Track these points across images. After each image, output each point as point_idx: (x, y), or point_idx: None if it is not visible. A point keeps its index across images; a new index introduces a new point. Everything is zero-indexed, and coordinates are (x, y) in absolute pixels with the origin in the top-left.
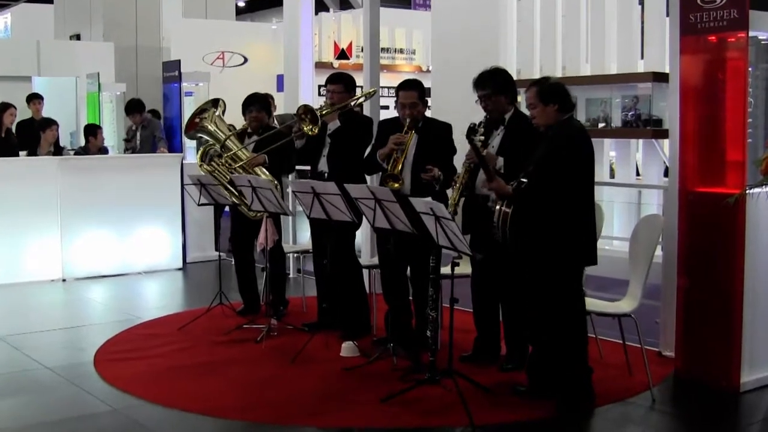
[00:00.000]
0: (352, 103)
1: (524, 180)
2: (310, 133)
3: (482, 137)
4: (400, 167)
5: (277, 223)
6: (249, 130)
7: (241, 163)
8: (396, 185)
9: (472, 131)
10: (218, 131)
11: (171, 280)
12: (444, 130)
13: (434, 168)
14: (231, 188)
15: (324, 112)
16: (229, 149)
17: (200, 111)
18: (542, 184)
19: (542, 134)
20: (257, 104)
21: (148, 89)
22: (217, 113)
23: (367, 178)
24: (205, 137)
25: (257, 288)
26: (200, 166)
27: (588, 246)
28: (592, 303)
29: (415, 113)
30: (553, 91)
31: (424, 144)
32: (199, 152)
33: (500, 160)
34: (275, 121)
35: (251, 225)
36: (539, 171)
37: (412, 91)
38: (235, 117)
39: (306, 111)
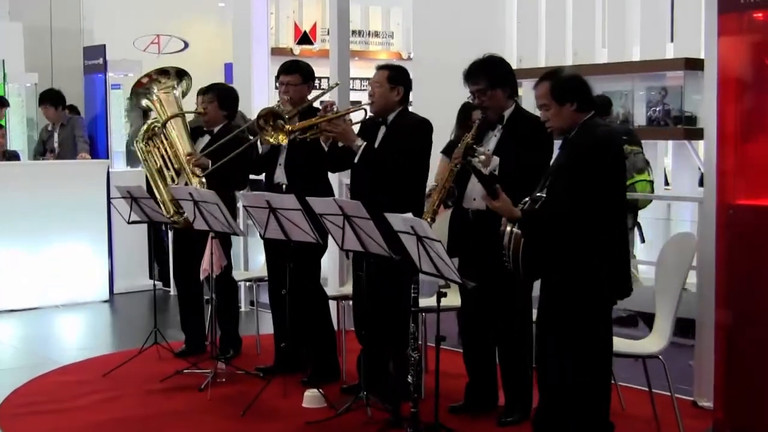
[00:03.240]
0: (309, 98)
1: (540, 195)
2: (274, 142)
3: (483, 156)
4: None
5: (226, 245)
6: (203, 123)
7: (176, 152)
8: (268, 140)
9: (470, 151)
10: (164, 107)
11: (95, 315)
12: (413, 125)
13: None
14: (158, 183)
15: (288, 117)
16: (169, 136)
17: (158, 71)
18: (564, 202)
19: (549, 136)
20: (213, 92)
21: (65, 80)
22: (175, 91)
23: (335, 189)
24: (152, 109)
25: (203, 324)
26: (136, 142)
27: (621, 274)
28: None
29: (376, 95)
30: (569, 87)
31: (387, 142)
32: (144, 127)
33: (495, 160)
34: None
35: (197, 247)
36: (559, 186)
37: (382, 71)
38: None
39: (269, 115)
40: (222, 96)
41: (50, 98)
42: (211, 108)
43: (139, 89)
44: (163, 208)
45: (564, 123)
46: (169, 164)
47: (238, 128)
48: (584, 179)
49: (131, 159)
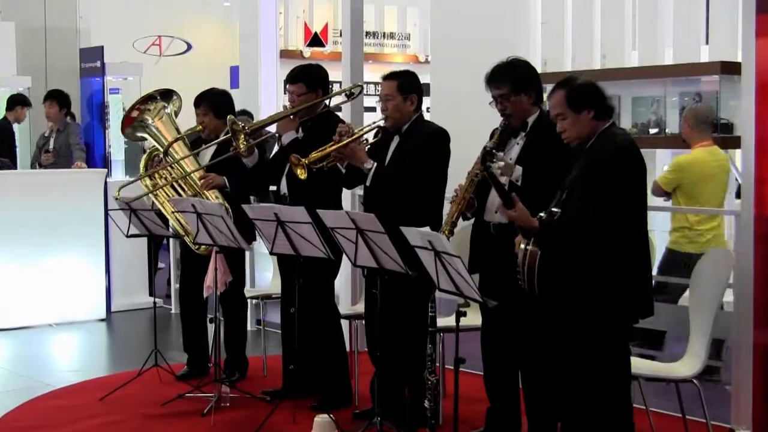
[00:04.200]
0: (328, 102)
1: (556, 210)
2: (243, 147)
3: (502, 162)
4: (324, 159)
5: (239, 260)
6: (204, 136)
7: (186, 174)
8: (300, 172)
9: (489, 156)
10: (162, 133)
11: (91, 335)
12: (427, 135)
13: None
14: (170, 210)
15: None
16: (174, 160)
17: (143, 100)
18: (581, 217)
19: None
20: (205, 103)
21: (61, 84)
22: (167, 110)
23: (348, 201)
24: (149, 138)
25: (206, 344)
26: (141, 178)
27: (642, 293)
28: (641, 364)
29: (390, 109)
30: (584, 94)
31: (400, 153)
32: (144, 158)
33: (518, 170)
34: None
35: (203, 262)
36: (575, 199)
37: (390, 81)
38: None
39: (234, 122)
40: (215, 105)
41: (57, 96)
42: (207, 120)
43: (134, 123)
44: (187, 238)
45: (582, 131)
46: (182, 192)
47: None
48: (605, 189)
49: (130, 168)
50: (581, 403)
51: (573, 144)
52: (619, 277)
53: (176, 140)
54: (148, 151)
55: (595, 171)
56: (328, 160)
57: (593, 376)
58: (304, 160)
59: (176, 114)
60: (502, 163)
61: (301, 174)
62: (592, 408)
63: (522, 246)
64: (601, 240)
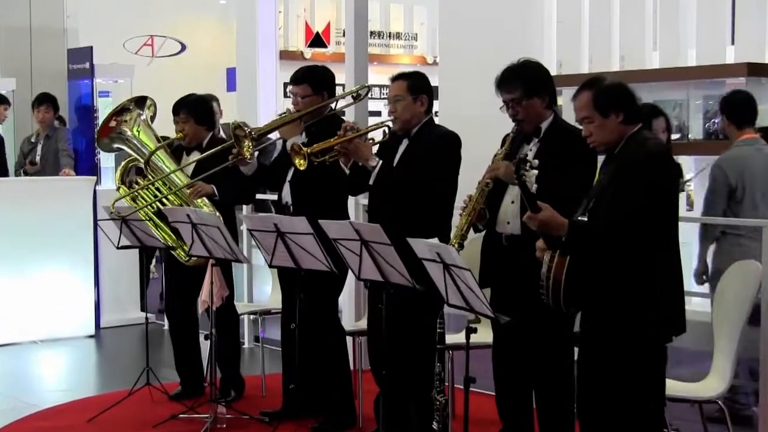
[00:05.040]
0: (335, 106)
1: (583, 219)
2: (248, 154)
3: (536, 171)
4: (327, 153)
5: (227, 272)
6: (184, 144)
7: (177, 189)
8: (298, 162)
9: (522, 164)
10: (142, 142)
11: (79, 352)
12: (437, 139)
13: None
14: (158, 222)
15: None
16: (157, 169)
17: (119, 111)
18: (608, 221)
19: (593, 150)
20: (185, 110)
21: (47, 87)
22: (143, 117)
23: (351, 211)
24: (126, 149)
25: (200, 362)
26: (118, 189)
27: (675, 309)
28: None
29: (399, 110)
30: (613, 96)
31: (408, 157)
32: (119, 169)
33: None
34: (222, 133)
35: (192, 276)
36: (604, 209)
37: (400, 81)
38: (167, 127)
39: (238, 127)
40: (195, 111)
41: (51, 100)
42: (188, 127)
43: (111, 134)
44: (179, 253)
45: (610, 137)
46: (167, 202)
47: (222, 139)
48: (635, 195)
49: None
50: (609, 426)
51: (599, 150)
52: (651, 289)
53: (159, 148)
54: (124, 162)
55: (625, 176)
56: (331, 154)
57: (624, 397)
58: (306, 149)
59: (152, 119)
60: (536, 172)
61: (301, 164)
62: (620, 429)
63: (546, 257)
64: (631, 249)
